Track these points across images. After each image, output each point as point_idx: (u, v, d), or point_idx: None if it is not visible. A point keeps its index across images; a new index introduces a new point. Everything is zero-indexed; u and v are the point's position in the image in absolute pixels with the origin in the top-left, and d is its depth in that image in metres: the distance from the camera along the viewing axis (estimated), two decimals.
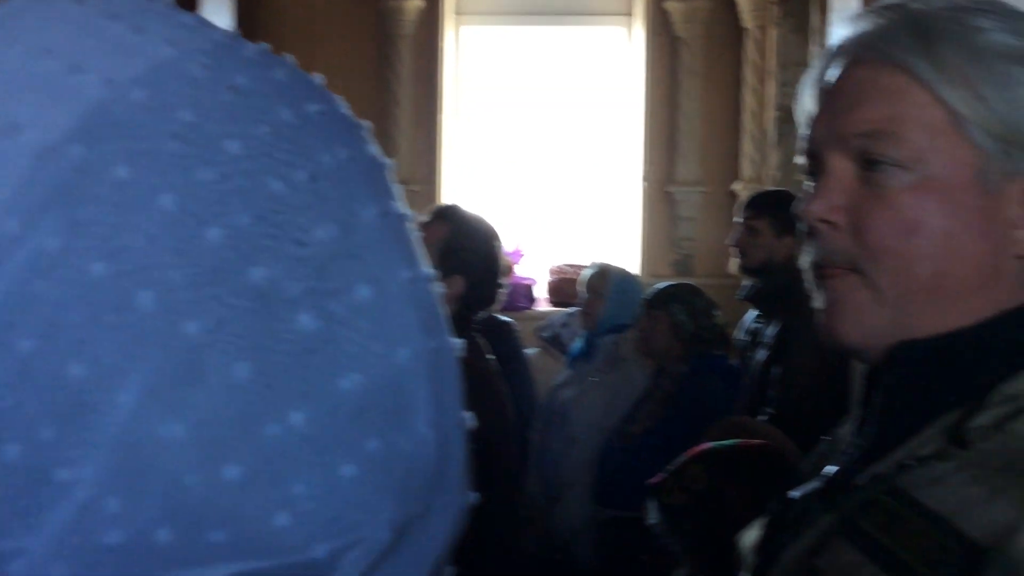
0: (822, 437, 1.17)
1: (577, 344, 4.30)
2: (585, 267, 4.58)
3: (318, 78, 0.65)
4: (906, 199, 0.92)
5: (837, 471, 1.01)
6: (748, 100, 7.59)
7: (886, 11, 0.97)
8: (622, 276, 4.22)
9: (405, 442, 0.56)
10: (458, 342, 0.64)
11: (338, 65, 7.73)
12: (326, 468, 0.53)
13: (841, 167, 0.96)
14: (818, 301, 0.99)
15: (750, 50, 7.54)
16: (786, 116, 6.96)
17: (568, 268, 7.43)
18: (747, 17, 7.52)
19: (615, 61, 8.27)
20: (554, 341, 5.29)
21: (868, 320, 0.95)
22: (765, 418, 3.43)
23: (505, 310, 5.32)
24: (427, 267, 0.63)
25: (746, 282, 3.88)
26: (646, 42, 7.90)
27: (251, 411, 0.52)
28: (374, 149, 0.64)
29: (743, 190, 7.26)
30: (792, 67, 6.94)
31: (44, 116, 0.53)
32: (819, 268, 0.99)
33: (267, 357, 0.52)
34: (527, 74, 8.36)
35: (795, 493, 1.06)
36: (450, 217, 2.69)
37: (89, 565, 0.50)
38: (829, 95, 0.99)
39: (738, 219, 3.91)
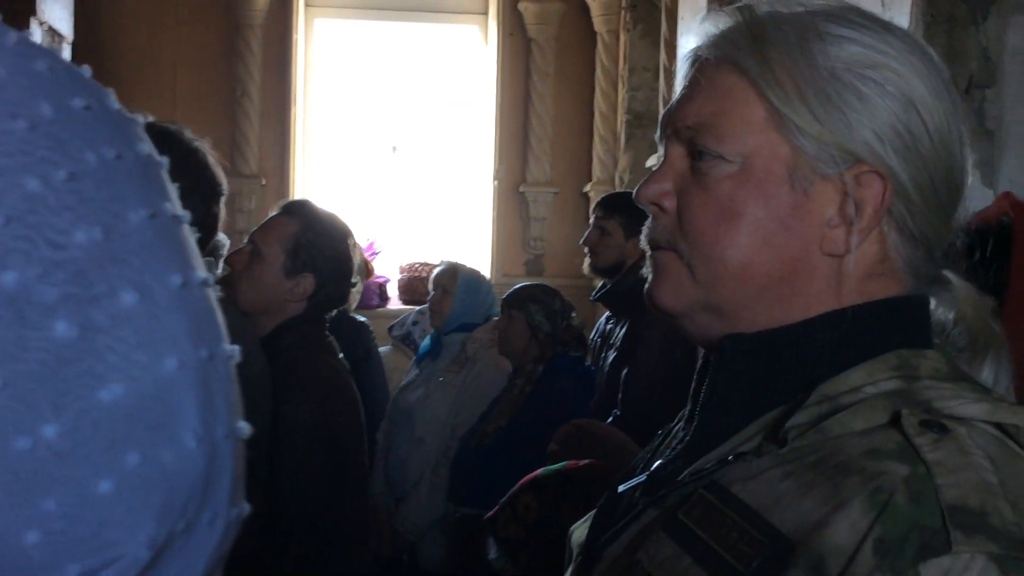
0: (657, 432, 1.19)
1: (425, 343, 4.28)
2: (436, 265, 4.56)
3: (86, 70, 0.60)
4: (724, 188, 0.95)
5: (662, 464, 1.02)
6: (599, 103, 7.73)
7: (734, 12, 1.01)
8: (470, 275, 4.21)
9: (169, 456, 0.53)
10: (235, 349, 0.61)
11: (185, 54, 7.51)
12: (80, 484, 0.50)
13: (676, 155, 1.01)
14: (646, 271, 1.04)
15: (601, 54, 7.67)
16: (635, 120, 7.10)
17: (420, 266, 7.41)
18: (599, 21, 7.64)
19: (470, 60, 8.28)
20: (406, 339, 5.27)
21: (683, 291, 0.99)
22: (612, 420, 3.50)
23: (358, 308, 5.27)
24: (202, 271, 0.59)
25: (598, 283, 3.94)
26: (499, 42, 7.94)
27: None
28: (147, 147, 0.60)
29: (593, 192, 7.39)
30: (640, 72, 7.09)
31: None
32: (649, 245, 1.03)
33: (16, 367, 0.49)
34: (382, 70, 8.28)
35: (622, 487, 1.08)
36: (299, 213, 2.63)
37: None
38: (681, 90, 1.03)
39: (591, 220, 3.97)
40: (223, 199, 2.23)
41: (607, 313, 4.05)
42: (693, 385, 1.07)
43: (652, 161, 6.20)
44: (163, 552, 0.54)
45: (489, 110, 8.05)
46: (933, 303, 1.00)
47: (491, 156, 8.00)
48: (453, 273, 4.15)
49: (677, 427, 1.12)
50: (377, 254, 7.26)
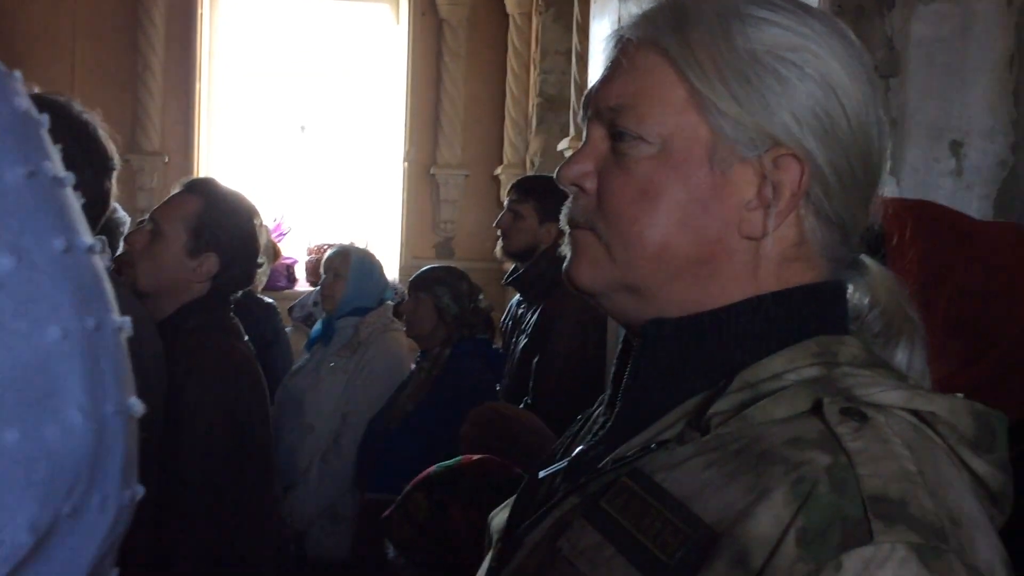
0: (577, 417, 1.18)
1: (316, 327, 4.21)
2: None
3: None
4: (643, 169, 0.94)
5: (583, 451, 1.01)
6: (511, 86, 7.72)
7: None
8: (363, 258, 4.12)
9: (52, 433, 0.50)
10: (125, 320, 0.57)
11: (84, 26, 7.27)
12: None
13: (597, 136, 1.00)
14: (564, 250, 1.03)
15: (513, 37, 7.66)
16: (547, 103, 7.11)
17: (326, 247, 7.32)
18: (511, 4, 7.63)
19: (381, 39, 8.19)
20: (308, 320, 5.21)
21: (601, 270, 0.98)
22: (523, 405, 3.49)
23: (265, 290, 5.20)
24: (88, 236, 0.55)
25: (509, 266, 3.92)
26: (410, 23, 7.87)
27: None
28: (24, 102, 0.56)
29: (504, 175, 7.38)
30: (553, 55, 7.10)
31: None
32: (569, 225, 1.03)
33: None
34: (291, 47, 8.15)
35: (543, 473, 1.06)
36: (202, 191, 2.55)
37: None
38: (604, 71, 1.02)
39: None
40: (115, 173, 2.15)
41: (518, 296, 4.04)
42: (614, 369, 1.06)
43: (564, 144, 6.21)
44: (48, 537, 0.50)
45: (400, 91, 7.98)
46: (850, 288, 1.01)
47: (401, 137, 7.95)
48: (345, 256, 4.07)
49: (597, 412, 1.10)
50: (284, 235, 7.15)
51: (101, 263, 0.57)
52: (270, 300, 4.87)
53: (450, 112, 7.85)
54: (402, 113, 7.94)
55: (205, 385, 2.36)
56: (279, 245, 6.26)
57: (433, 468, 2.14)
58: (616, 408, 0.99)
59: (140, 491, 0.58)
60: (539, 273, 3.63)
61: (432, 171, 7.87)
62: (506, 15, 7.71)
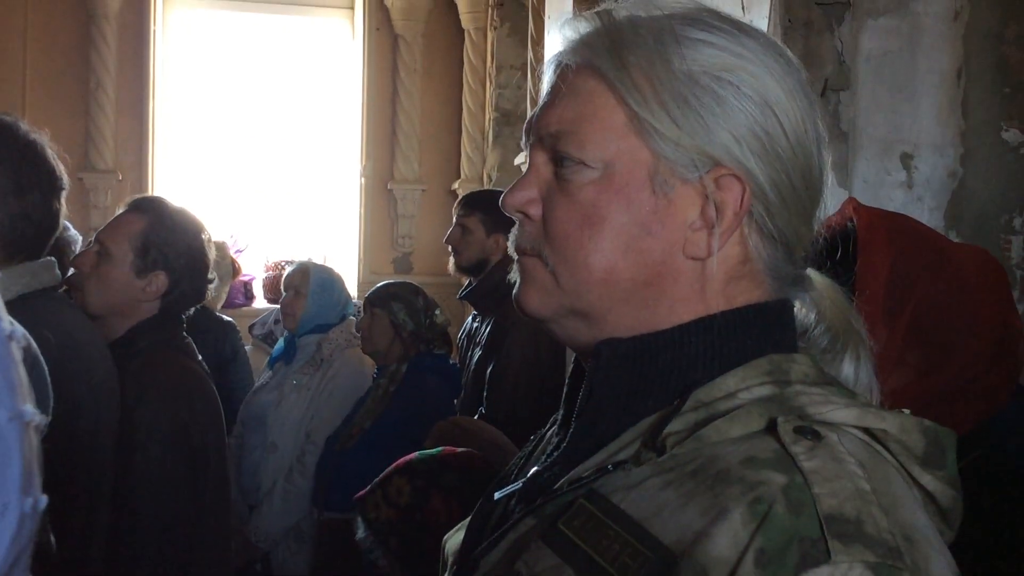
0: (531, 437, 1.17)
1: (278, 345, 4.17)
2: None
3: None
4: (586, 194, 0.95)
5: (538, 472, 1.00)
6: (467, 100, 7.72)
7: (594, 17, 1.01)
8: (323, 274, 4.10)
9: None
10: (16, 330, 0.56)
11: (35, 45, 7.19)
12: None
13: (540, 162, 1.00)
14: (513, 277, 1.04)
15: (469, 51, 7.67)
16: (503, 117, 7.13)
17: (285, 264, 7.27)
18: (466, 19, 7.64)
19: (336, 54, 8.17)
20: (268, 338, 5.16)
21: (549, 297, 0.98)
22: (477, 417, 3.49)
23: (224, 307, 5.16)
24: None
25: (466, 281, 3.93)
26: (366, 37, 7.85)
27: None
28: None
29: (461, 189, 7.38)
30: (508, 70, 7.11)
31: None
32: (516, 252, 1.03)
33: None
34: (246, 63, 8.10)
35: (498, 494, 1.06)
36: (148, 210, 2.52)
37: None
38: (544, 97, 1.02)
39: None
40: (64, 193, 2.13)
41: (473, 313, 4.05)
42: (566, 390, 1.06)
43: (520, 159, 6.23)
44: None
45: (356, 106, 7.95)
46: (797, 305, 1.01)
47: (358, 152, 7.92)
48: (305, 273, 4.05)
49: (550, 432, 1.10)
50: (241, 252, 7.10)
51: None
52: (228, 318, 4.84)
53: (407, 127, 7.84)
54: (359, 128, 7.92)
55: (158, 406, 2.33)
56: (238, 261, 6.22)
57: (415, 455, 2.14)
58: (570, 428, 0.98)
59: (43, 500, 0.57)
60: (492, 286, 3.64)
61: (389, 186, 7.85)
62: (461, 30, 7.72)
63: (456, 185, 7.65)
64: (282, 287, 4.17)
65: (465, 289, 3.89)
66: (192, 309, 2.65)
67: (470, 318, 4.11)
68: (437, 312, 3.67)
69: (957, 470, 0.91)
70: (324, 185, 8.23)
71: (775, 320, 0.97)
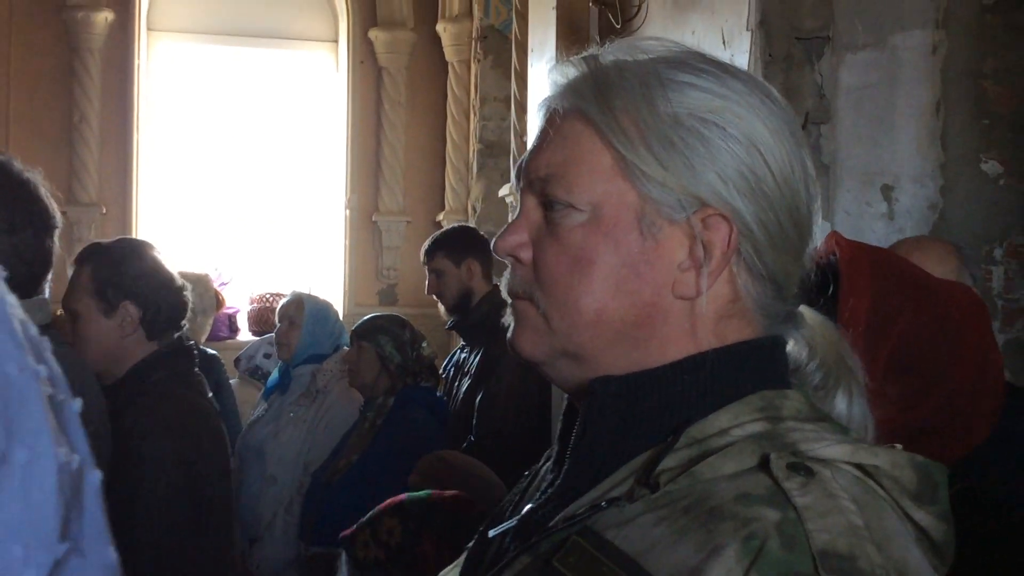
0: (524, 473, 1.18)
1: (273, 376, 4.17)
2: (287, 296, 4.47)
3: None
4: (575, 237, 0.96)
5: (532, 509, 1.01)
6: (451, 132, 7.76)
7: (580, 62, 1.02)
8: (317, 305, 4.11)
9: None
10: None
11: (18, 77, 7.19)
12: None
13: (530, 206, 1.01)
14: (507, 320, 1.05)
15: (453, 84, 7.72)
16: (487, 149, 7.16)
17: (270, 296, 7.26)
18: (450, 51, 7.69)
19: (321, 87, 8.20)
20: (255, 373, 5.14)
21: (541, 340, 0.99)
22: (466, 445, 3.49)
23: (208, 340, 5.14)
24: None
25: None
26: (350, 70, 7.90)
27: None
28: None
29: (446, 220, 7.40)
30: (492, 102, 7.16)
31: None
32: (509, 295, 1.04)
33: None
34: (230, 96, 8.12)
35: (492, 532, 1.06)
36: (89, 256, 2.51)
37: None
38: (534, 141, 1.03)
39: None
40: (57, 231, 2.13)
41: (461, 342, 4.06)
42: (560, 427, 1.06)
43: (504, 191, 6.25)
44: None
45: (341, 138, 7.98)
46: (789, 342, 1.02)
47: (343, 184, 7.94)
48: (299, 304, 4.06)
49: (544, 468, 1.10)
50: (226, 284, 7.09)
51: None
52: (213, 351, 4.82)
53: (391, 159, 7.87)
54: (343, 160, 7.94)
55: (164, 442, 2.33)
56: (222, 293, 6.21)
57: (405, 496, 2.13)
58: (564, 466, 0.99)
59: (98, 475, 0.59)
60: (481, 316, 3.66)
61: (374, 218, 7.87)
62: (445, 63, 7.77)
63: (441, 216, 7.68)
64: (276, 318, 4.17)
65: (454, 320, 3.91)
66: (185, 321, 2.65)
67: (458, 348, 4.12)
68: (424, 345, 3.68)
69: (949, 504, 0.91)
70: (309, 217, 8.24)
71: (767, 357, 0.98)
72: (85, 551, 0.61)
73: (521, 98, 5.32)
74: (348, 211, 7.88)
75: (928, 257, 2.35)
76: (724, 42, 3.04)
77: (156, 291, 2.54)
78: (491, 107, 7.15)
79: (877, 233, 3.01)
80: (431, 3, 7.83)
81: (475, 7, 7.27)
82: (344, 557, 2.08)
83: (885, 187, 3.08)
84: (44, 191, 2.06)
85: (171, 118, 7.97)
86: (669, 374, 0.95)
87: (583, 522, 0.91)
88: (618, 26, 3.98)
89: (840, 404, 1.02)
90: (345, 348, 4.04)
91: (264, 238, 8.16)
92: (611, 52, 1.01)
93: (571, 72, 1.01)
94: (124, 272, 2.51)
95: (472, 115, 7.45)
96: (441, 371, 3.97)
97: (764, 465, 0.87)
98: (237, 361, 5.31)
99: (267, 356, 5.04)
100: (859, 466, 0.88)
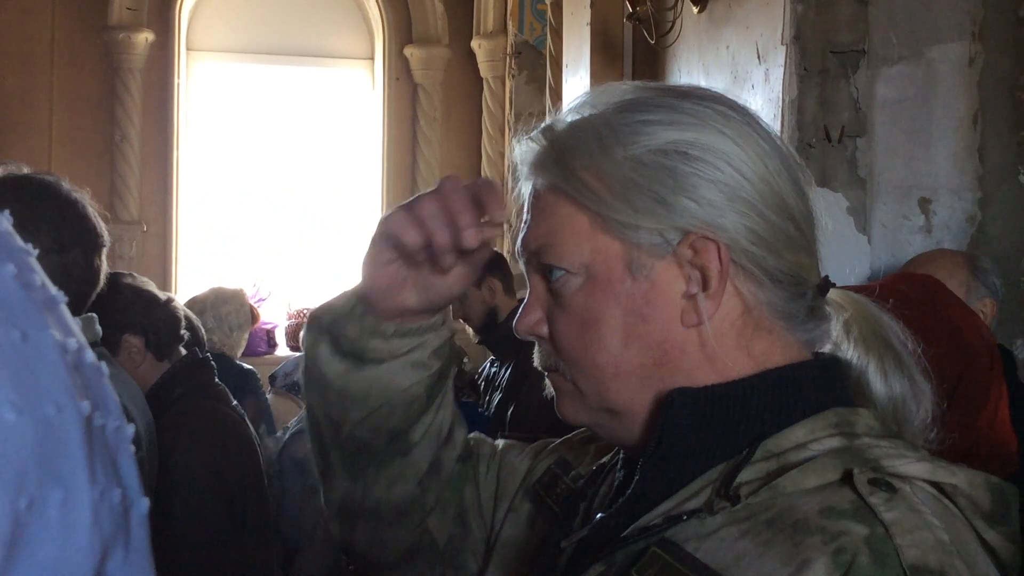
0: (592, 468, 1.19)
1: None
2: None
3: None
4: (578, 301, 0.99)
5: (604, 518, 1.01)
6: (487, 148, 7.80)
7: (538, 137, 1.05)
8: None
9: None
10: (71, 341, 0.59)
11: (62, 97, 7.32)
12: None
13: (536, 283, 1.05)
14: (549, 391, 1.08)
15: (487, 99, 7.76)
16: None
17: (307, 312, 7.30)
18: (484, 67, 7.73)
19: (357, 104, 8.27)
20: (295, 388, 5.17)
21: (578, 405, 1.03)
22: None
23: (245, 355, 5.19)
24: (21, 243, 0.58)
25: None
26: (385, 87, 7.96)
27: None
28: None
29: None
30: (527, 117, 7.13)
31: None
32: (543, 370, 1.08)
33: None
34: (268, 114, 8.21)
35: (564, 542, 1.07)
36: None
37: None
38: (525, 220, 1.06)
39: None
40: (105, 250, 2.17)
41: (491, 358, 4.08)
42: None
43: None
44: (15, 538, 0.51)
45: (377, 154, 8.04)
46: (831, 322, 1.02)
47: (379, 200, 7.99)
48: None
49: (612, 475, 1.11)
50: (264, 300, 7.15)
51: (37, 278, 0.59)
52: (249, 366, 4.86)
53: (426, 174, 7.92)
54: (379, 176, 8.00)
55: (192, 453, 2.36)
56: (258, 310, 6.26)
57: None
58: (637, 476, 1.00)
59: (145, 503, 0.60)
60: (508, 331, 3.67)
61: None
62: (480, 79, 7.81)
63: None
64: None
65: (482, 336, 3.94)
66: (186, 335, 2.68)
67: (487, 362, 4.14)
68: (465, 360, 3.70)
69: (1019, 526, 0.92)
70: (346, 233, 8.30)
71: (834, 375, 0.99)
72: None
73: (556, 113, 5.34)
74: None
75: (939, 269, 2.38)
76: (759, 57, 3.05)
77: (147, 314, 2.59)
78: (526, 122, 7.15)
79: (915, 246, 3.00)
80: (466, 20, 7.88)
81: (509, 23, 7.31)
82: None
83: (923, 200, 3.07)
84: (92, 210, 2.10)
85: (210, 136, 8.06)
86: (743, 388, 0.96)
87: (661, 533, 0.92)
88: (652, 42, 3.98)
89: (877, 384, 1.02)
90: None
91: (302, 254, 8.22)
92: (566, 114, 1.05)
93: (533, 148, 1.05)
94: (109, 309, 2.55)
95: (507, 130, 7.48)
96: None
97: (846, 480, 0.88)
98: (272, 379, 5.35)
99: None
100: (935, 483, 0.89)
